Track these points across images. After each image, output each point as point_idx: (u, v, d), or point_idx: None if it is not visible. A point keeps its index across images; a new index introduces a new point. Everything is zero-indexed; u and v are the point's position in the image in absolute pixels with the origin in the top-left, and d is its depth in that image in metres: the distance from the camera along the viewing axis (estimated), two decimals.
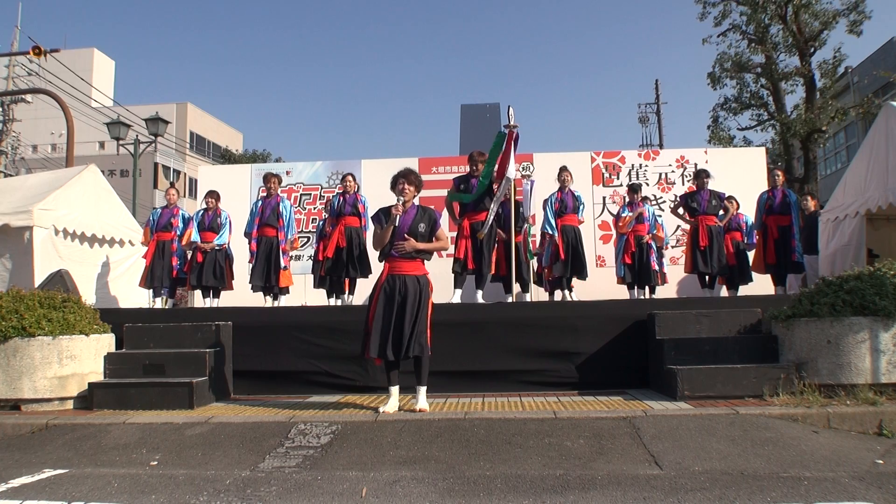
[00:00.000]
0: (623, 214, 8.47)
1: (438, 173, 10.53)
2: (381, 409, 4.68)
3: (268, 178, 8.20)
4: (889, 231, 8.58)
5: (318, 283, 8.35)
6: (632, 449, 3.80)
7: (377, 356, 4.63)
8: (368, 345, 4.60)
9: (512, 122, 6.97)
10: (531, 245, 8.33)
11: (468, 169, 7.15)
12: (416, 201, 4.99)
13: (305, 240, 10.60)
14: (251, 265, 8.02)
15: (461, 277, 6.89)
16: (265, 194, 8.21)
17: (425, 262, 4.89)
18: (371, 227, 7.79)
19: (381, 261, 4.85)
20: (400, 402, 4.80)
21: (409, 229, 4.71)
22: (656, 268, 8.30)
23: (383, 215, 4.80)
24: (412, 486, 3.27)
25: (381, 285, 4.70)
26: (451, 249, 6.79)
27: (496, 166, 6.93)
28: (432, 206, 5.24)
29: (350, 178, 8.07)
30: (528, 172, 8.12)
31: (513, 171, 6.86)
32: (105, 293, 8.95)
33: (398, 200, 4.73)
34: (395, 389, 4.79)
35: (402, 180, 4.76)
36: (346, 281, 8.09)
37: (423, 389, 4.75)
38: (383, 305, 4.63)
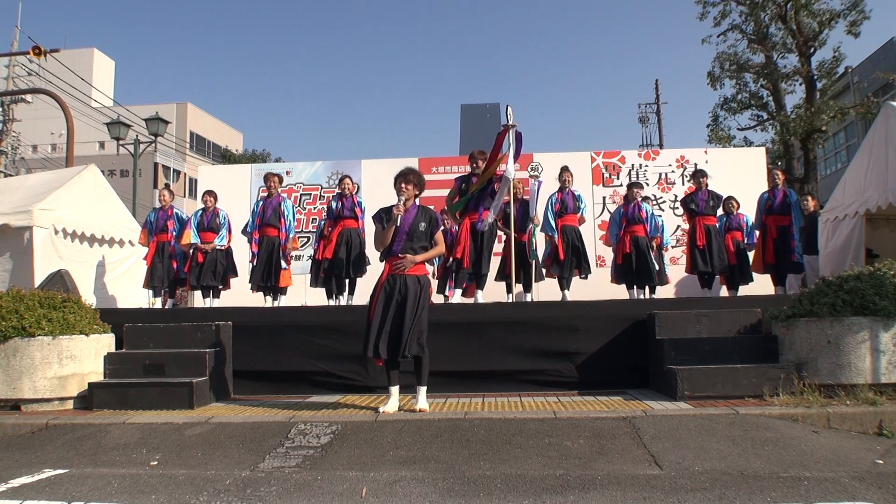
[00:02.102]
0: (613, 231, 8.34)
1: (438, 173, 10.53)
2: (381, 409, 4.68)
3: (268, 177, 8.19)
4: (888, 231, 8.58)
5: (315, 283, 8.35)
6: (632, 449, 3.80)
7: (375, 356, 4.62)
8: (368, 345, 4.61)
9: (510, 122, 6.97)
10: (535, 245, 8.32)
11: (468, 168, 7.14)
12: (418, 201, 5.00)
13: (305, 240, 10.61)
14: (252, 265, 8.02)
15: (461, 277, 6.88)
16: (266, 194, 8.20)
17: (426, 262, 4.90)
18: (370, 228, 7.83)
19: (382, 260, 4.85)
20: (400, 402, 4.80)
21: (409, 228, 4.72)
22: (657, 267, 8.26)
23: (384, 215, 4.82)
24: (412, 486, 3.27)
25: (382, 285, 4.71)
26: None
27: (489, 163, 6.92)
28: (432, 207, 5.25)
29: (347, 179, 8.05)
30: (536, 173, 8.10)
31: (512, 170, 6.85)
32: (105, 293, 8.95)
33: (398, 200, 4.75)
34: (394, 389, 4.79)
35: (402, 180, 4.79)
36: (346, 281, 8.08)
37: (423, 389, 4.75)
38: (383, 305, 4.64)
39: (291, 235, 8.12)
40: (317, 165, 11.16)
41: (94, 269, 8.85)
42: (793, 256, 7.98)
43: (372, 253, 8.34)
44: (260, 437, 4.24)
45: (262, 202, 8.14)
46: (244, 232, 8.25)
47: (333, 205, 8.02)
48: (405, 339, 4.53)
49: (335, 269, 7.79)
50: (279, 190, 8.23)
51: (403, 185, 4.77)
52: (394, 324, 4.60)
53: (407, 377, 4.86)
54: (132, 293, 9.35)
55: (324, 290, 8.22)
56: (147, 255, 8.65)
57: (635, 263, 8.02)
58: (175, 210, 8.75)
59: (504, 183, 6.86)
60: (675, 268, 9.68)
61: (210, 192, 8.49)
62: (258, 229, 8.00)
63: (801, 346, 4.83)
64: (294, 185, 10.96)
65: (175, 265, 8.47)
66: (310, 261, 9.49)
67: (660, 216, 9.42)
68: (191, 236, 8.23)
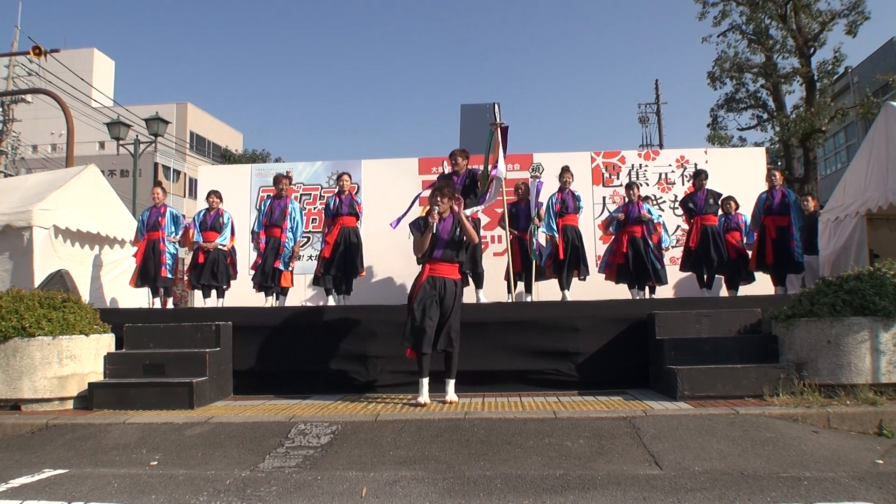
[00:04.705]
0: (610, 229, 8.38)
1: (438, 173, 10.51)
2: (419, 400, 4.97)
3: (279, 178, 8.17)
4: (888, 231, 8.58)
5: (315, 281, 8.34)
6: (632, 449, 3.80)
7: (416, 350, 4.97)
8: (414, 340, 4.96)
9: (499, 120, 6.95)
10: (536, 245, 8.31)
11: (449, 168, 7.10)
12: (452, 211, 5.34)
13: (305, 240, 10.60)
14: (259, 263, 8.01)
15: None
16: (275, 194, 8.18)
17: (461, 267, 5.45)
18: (363, 226, 7.86)
19: (419, 264, 5.28)
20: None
21: (448, 236, 5.19)
22: (659, 266, 8.24)
23: (422, 223, 5.23)
24: (412, 486, 3.27)
25: (422, 285, 5.09)
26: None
27: (488, 164, 6.90)
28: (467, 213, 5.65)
29: (346, 177, 7.98)
30: (536, 173, 8.10)
31: (503, 170, 6.82)
32: (104, 293, 8.94)
33: (434, 210, 5.18)
34: (425, 381, 5.06)
35: (438, 194, 5.29)
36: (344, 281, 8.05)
37: (451, 382, 5.11)
38: (423, 303, 5.01)
39: (298, 239, 8.10)
40: (317, 165, 11.14)
41: (95, 269, 8.84)
42: (793, 256, 7.97)
43: (372, 253, 8.38)
44: (260, 437, 4.24)
45: (269, 202, 8.11)
46: (252, 234, 8.22)
47: (331, 202, 7.98)
48: (442, 334, 5.01)
49: (334, 268, 7.76)
50: (287, 191, 8.22)
51: (439, 199, 5.24)
52: (433, 321, 4.98)
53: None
54: (133, 293, 9.33)
55: (323, 289, 8.21)
56: (137, 253, 8.50)
57: (633, 263, 8.02)
58: (168, 208, 8.63)
59: (497, 183, 6.84)
60: (675, 268, 9.66)
61: (215, 193, 8.43)
62: (265, 229, 7.99)
63: (801, 346, 4.83)
64: (294, 185, 10.94)
65: (165, 262, 8.32)
66: (310, 261, 9.50)
67: (660, 216, 9.42)
68: (194, 235, 8.20)
